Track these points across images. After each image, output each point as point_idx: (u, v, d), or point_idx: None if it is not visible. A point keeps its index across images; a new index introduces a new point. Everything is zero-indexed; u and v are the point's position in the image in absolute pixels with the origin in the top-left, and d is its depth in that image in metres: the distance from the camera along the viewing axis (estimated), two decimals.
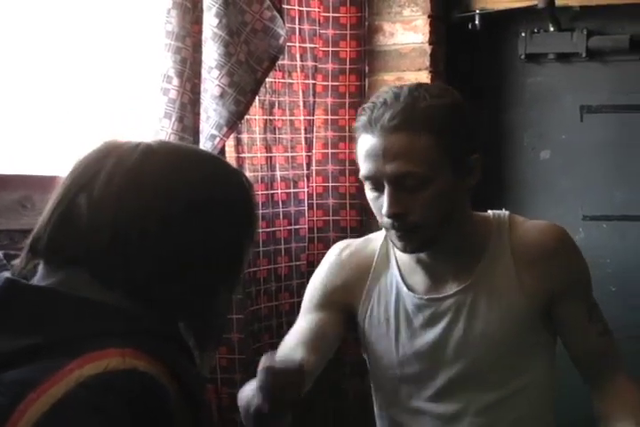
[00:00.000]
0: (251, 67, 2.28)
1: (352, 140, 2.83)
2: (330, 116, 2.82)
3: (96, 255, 1.25)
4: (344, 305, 1.96)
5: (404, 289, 1.91)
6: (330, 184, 2.84)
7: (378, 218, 1.83)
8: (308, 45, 2.74)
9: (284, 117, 2.68)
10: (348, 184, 2.85)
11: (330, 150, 2.83)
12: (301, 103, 2.73)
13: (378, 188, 1.77)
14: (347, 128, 2.84)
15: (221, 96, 2.23)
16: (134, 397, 1.12)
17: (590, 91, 3.02)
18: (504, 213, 1.94)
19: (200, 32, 2.24)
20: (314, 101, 2.78)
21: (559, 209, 3.05)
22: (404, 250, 1.83)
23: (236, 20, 2.25)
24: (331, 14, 2.82)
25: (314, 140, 2.78)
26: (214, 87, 2.23)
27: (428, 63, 2.96)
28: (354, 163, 2.86)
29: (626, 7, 2.89)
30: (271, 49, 2.32)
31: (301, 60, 2.72)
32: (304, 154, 2.73)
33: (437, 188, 1.75)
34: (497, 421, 1.89)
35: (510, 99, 3.11)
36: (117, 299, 1.23)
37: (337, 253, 2.02)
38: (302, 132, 2.73)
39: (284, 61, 2.62)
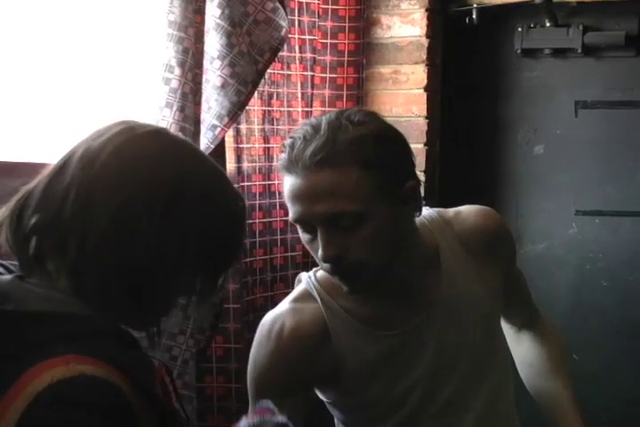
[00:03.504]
0: (252, 58, 2.29)
1: None
2: (327, 108, 2.83)
3: (55, 228, 1.23)
4: (309, 383, 1.79)
5: (376, 332, 1.76)
6: None
7: (318, 262, 1.69)
8: (307, 37, 2.75)
9: (282, 109, 2.68)
10: None
11: None
12: (299, 95, 2.74)
13: (311, 230, 1.64)
14: None
15: (223, 86, 2.24)
16: (90, 402, 1.11)
17: (585, 86, 3.04)
18: (431, 212, 1.85)
19: (202, 22, 2.24)
20: (312, 93, 2.79)
21: (552, 204, 3.07)
22: (352, 292, 1.70)
23: (238, 11, 2.26)
24: (330, 6, 2.83)
25: None
26: (216, 77, 2.24)
27: (424, 57, 2.98)
28: None
29: (621, 4, 2.92)
30: (273, 40, 2.32)
31: (300, 52, 2.73)
32: None
33: (374, 223, 1.61)
34: (489, 421, 1.85)
35: (506, 93, 3.13)
36: (61, 299, 1.21)
37: (275, 340, 1.75)
38: (300, 123, 2.74)
39: (283, 53, 2.63)
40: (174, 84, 2.17)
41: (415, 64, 2.98)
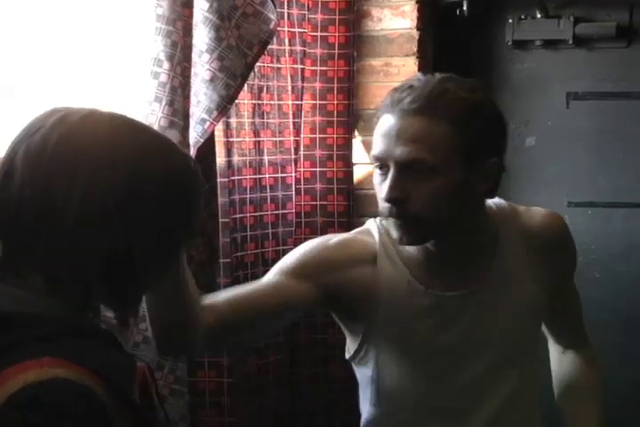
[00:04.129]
0: (241, 51, 2.27)
1: (340, 124, 2.86)
2: (318, 101, 2.82)
3: (17, 234, 1.21)
4: (332, 287, 1.79)
5: (420, 286, 1.80)
6: (317, 169, 2.84)
7: (379, 203, 1.74)
8: (296, 30, 2.74)
9: (272, 102, 2.67)
10: (335, 169, 2.86)
11: (318, 135, 2.83)
12: (290, 88, 2.72)
13: (385, 171, 1.70)
14: (335, 113, 2.84)
15: (212, 80, 2.22)
16: (63, 405, 1.09)
17: (576, 78, 3.04)
18: (502, 202, 1.90)
19: (191, 16, 2.22)
20: (302, 86, 2.77)
21: (544, 195, 3.07)
22: (400, 241, 1.74)
23: (226, 4, 2.24)
24: None
25: (302, 124, 2.78)
26: (205, 71, 2.22)
27: (415, 49, 2.96)
28: (341, 148, 2.88)
29: None
30: (262, 33, 2.30)
31: (290, 45, 2.72)
32: (292, 138, 2.73)
33: (445, 181, 1.67)
34: (510, 413, 1.87)
35: (497, 85, 3.12)
36: (29, 300, 1.19)
37: (332, 243, 1.84)
38: (290, 116, 2.73)
39: (272, 46, 2.61)
40: (163, 78, 2.16)
41: (406, 56, 2.97)
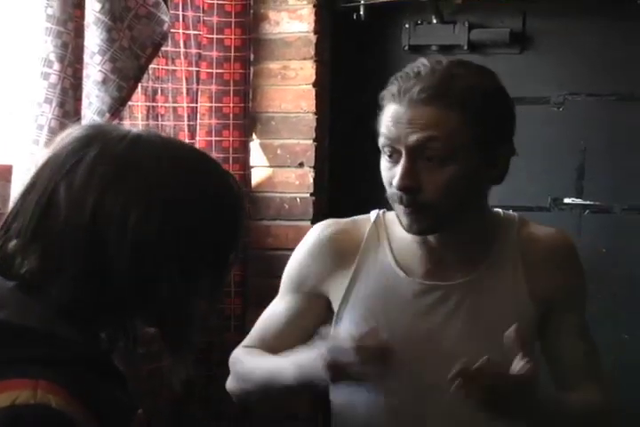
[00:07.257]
0: (134, 53, 2.25)
1: (236, 127, 2.85)
2: (214, 104, 2.81)
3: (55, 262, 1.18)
4: (321, 291, 1.84)
5: (401, 273, 1.77)
6: None
7: (387, 189, 1.70)
8: (192, 32, 2.73)
9: (167, 104, 2.66)
10: (232, 172, 2.84)
11: (214, 138, 2.82)
12: (185, 90, 2.71)
13: (394, 157, 1.66)
14: (231, 116, 2.84)
15: (104, 82, 2.20)
16: None
17: None
18: (513, 213, 1.86)
19: (82, 17, 2.20)
20: (197, 89, 2.76)
21: None
22: (410, 229, 1.70)
23: (119, 5, 2.22)
24: (215, 1, 2.80)
25: (197, 127, 2.77)
26: (97, 73, 2.20)
27: (312, 52, 2.97)
28: (238, 151, 2.88)
29: (506, 1, 2.96)
30: (155, 35, 2.29)
31: (185, 47, 2.71)
32: (187, 141, 2.72)
33: (458, 168, 1.63)
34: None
35: None
36: (47, 317, 1.16)
37: (318, 233, 1.86)
38: (185, 119, 2.72)
39: (167, 48, 2.60)
40: (53, 79, 2.13)
41: (303, 60, 2.98)
